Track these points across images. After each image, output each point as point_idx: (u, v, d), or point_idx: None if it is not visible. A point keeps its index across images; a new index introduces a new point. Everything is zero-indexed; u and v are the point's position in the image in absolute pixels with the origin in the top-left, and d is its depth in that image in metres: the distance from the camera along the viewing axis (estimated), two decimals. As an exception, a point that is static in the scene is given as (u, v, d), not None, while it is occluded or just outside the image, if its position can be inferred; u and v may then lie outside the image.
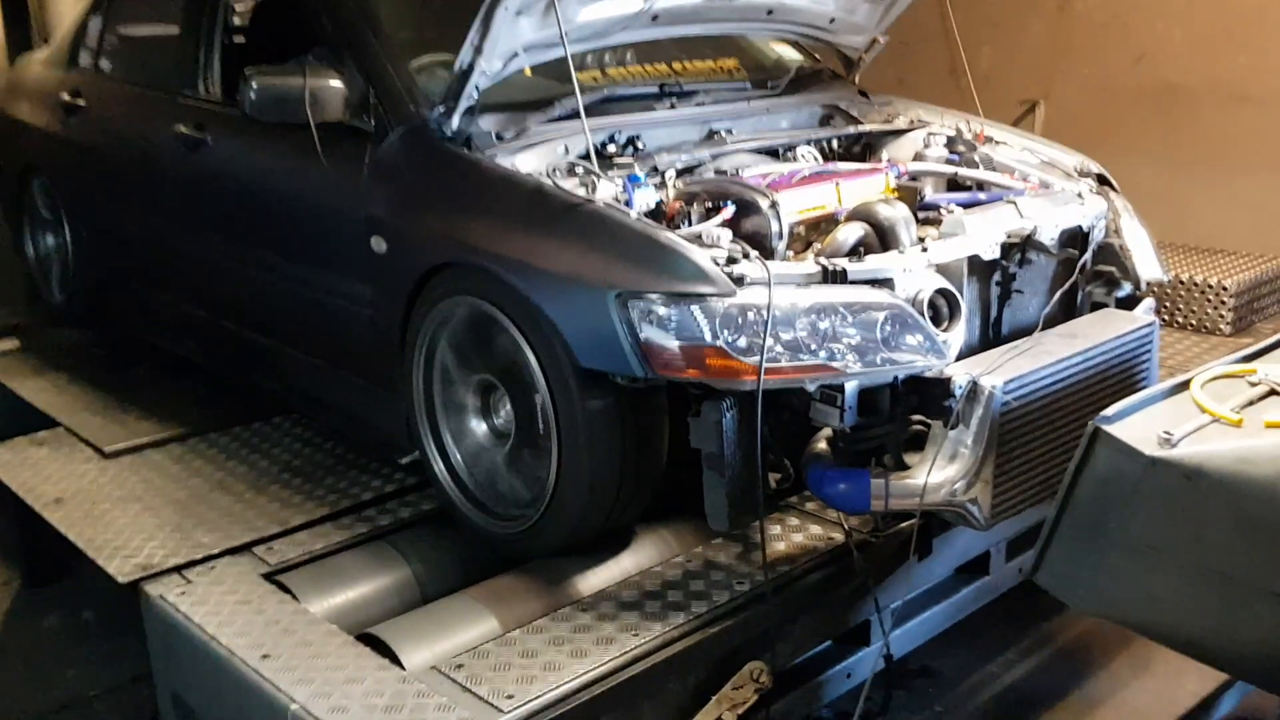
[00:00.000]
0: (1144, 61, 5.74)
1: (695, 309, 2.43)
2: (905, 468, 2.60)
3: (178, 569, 2.88)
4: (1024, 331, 2.95)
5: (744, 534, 2.93)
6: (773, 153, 3.40)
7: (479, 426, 2.97)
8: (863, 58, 3.91)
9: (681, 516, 2.98)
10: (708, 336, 2.42)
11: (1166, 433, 2.18)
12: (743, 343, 2.42)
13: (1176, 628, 2.31)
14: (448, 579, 2.95)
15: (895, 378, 2.53)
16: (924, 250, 2.67)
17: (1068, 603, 2.46)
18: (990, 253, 2.80)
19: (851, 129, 3.60)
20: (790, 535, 2.96)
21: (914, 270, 2.62)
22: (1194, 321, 4.60)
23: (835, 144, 3.58)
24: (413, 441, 3.13)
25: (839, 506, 2.65)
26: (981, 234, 2.79)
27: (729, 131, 3.38)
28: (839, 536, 2.94)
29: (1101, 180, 3.44)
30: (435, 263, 2.86)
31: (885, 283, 2.58)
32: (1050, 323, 2.97)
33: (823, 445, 2.68)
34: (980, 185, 3.32)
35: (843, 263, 2.57)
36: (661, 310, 2.45)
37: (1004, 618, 3.47)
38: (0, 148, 5.11)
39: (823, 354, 2.45)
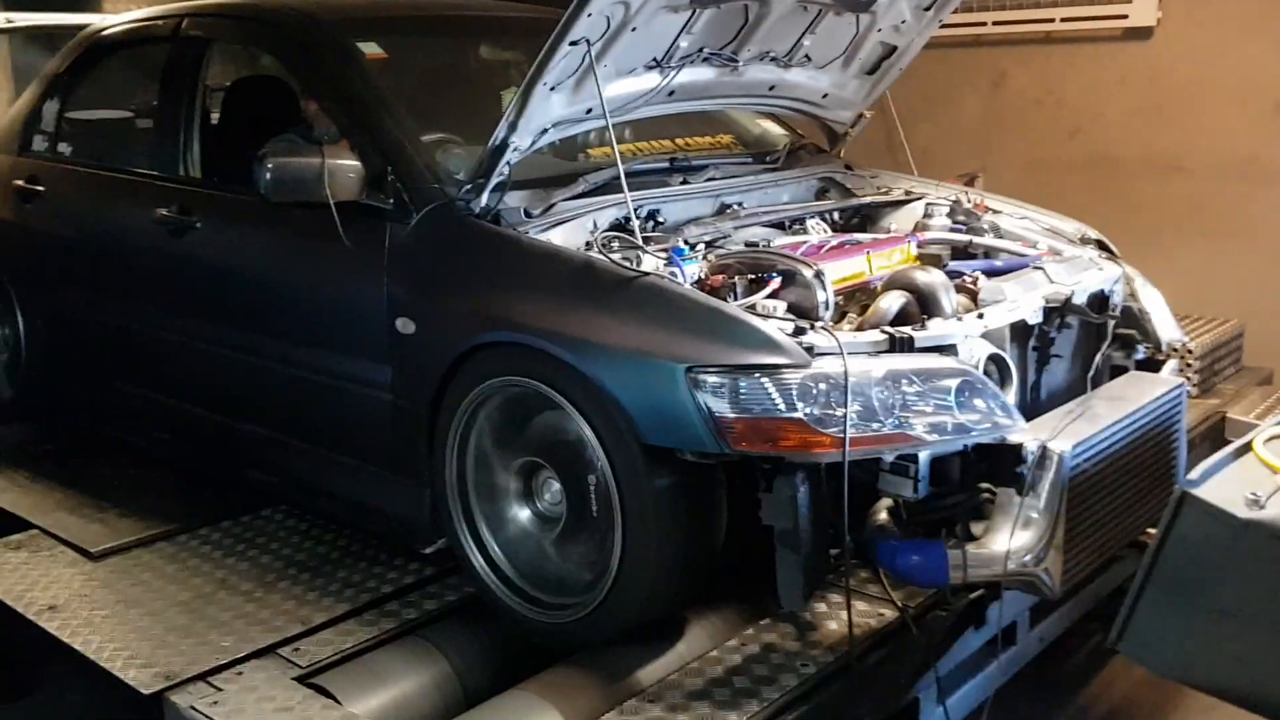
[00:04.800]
0: (1079, 136, 5.96)
1: (769, 381, 2.39)
2: (973, 538, 2.57)
3: (202, 676, 2.69)
4: (1058, 396, 2.98)
5: (791, 614, 2.86)
6: (780, 225, 3.40)
7: (521, 511, 2.86)
8: (849, 131, 3.97)
9: (724, 597, 2.90)
10: (785, 409, 2.37)
11: (1254, 494, 2.19)
12: (819, 414, 2.38)
13: (1269, 693, 2.30)
14: (487, 672, 2.82)
15: (965, 446, 2.51)
16: (980, 316, 2.68)
17: (1153, 670, 2.44)
18: (1035, 317, 2.82)
19: (854, 201, 3.64)
20: (837, 612, 2.89)
21: (972, 337, 2.62)
22: (1160, 384, 4.71)
23: (836, 216, 3.61)
24: (438, 530, 3.01)
25: (914, 580, 2.61)
26: (1025, 300, 2.82)
27: (740, 205, 3.38)
28: (887, 612, 2.89)
29: (1100, 246, 3.52)
30: (474, 342, 2.76)
31: (948, 349, 2.57)
32: (1077, 386, 3.02)
33: (884, 516, 2.64)
34: (987, 253, 3.37)
35: (908, 330, 2.55)
36: (734, 384, 2.40)
37: (1032, 690, 3.43)
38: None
39: (897, 423, 2.42)
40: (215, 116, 4.15)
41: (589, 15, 2.64)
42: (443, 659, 2.78)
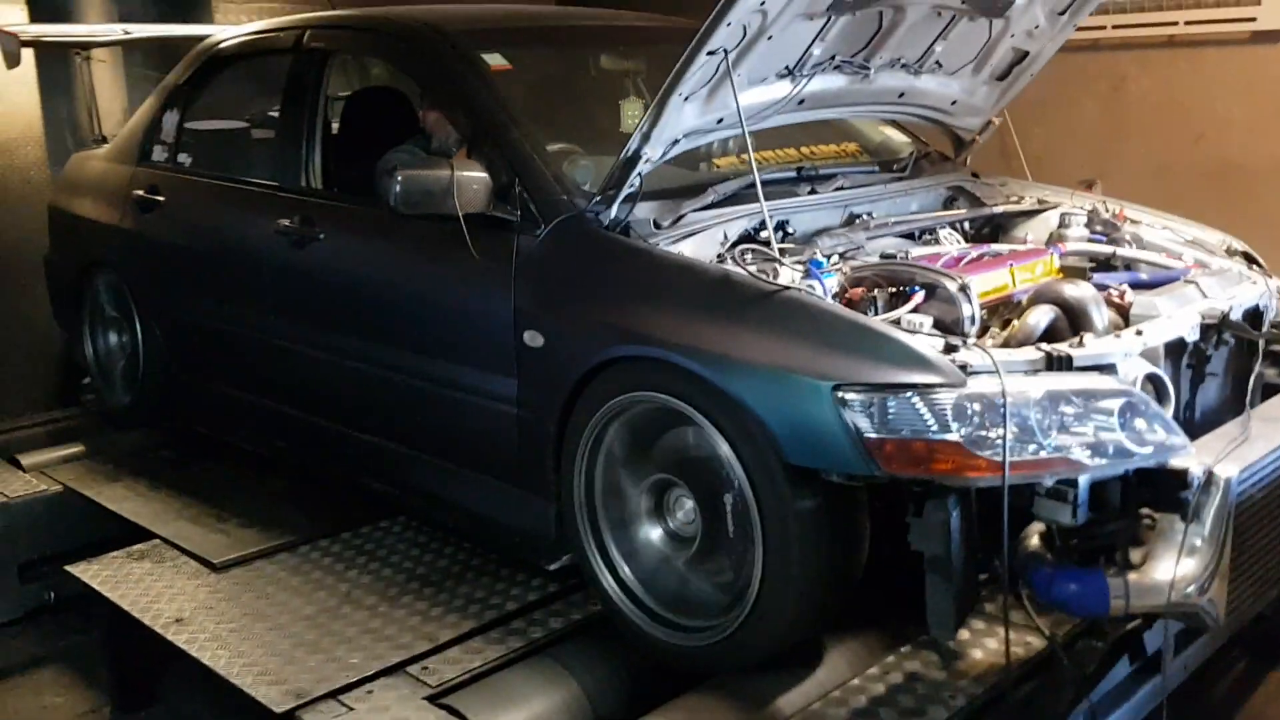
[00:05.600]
0: (1203, 142, 5.74)
1: (922, 401, 2.29)
2: (1131, 566, 2.45)
3: (333, 694, 2.66)
4: (1211, 416, 2.84)
5: (933, 641, 2.75)
6: (910, 236, 3.30)
7: (652, 530, 2.80)
8: (977, 139, 3.85)
9: (859, 621, 2.81)
10: (938, 430, 2.28)
11: None
12: (974, 436, 2.28)
13: None
14: (618, 694, 2.77)
15: (1127, 470, 2.38)
16: (1139, 334, 2.55)
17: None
18: (1193, 334, 2.69)
19: (986, 210, 3.52)
20: (982, 640, 2.78)
21: (1131, 355, 2.50)
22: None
23: (967, 226, 3.49)
24: (563, 546, 2.96)
25: (1071, 609, 2.48)
26: (1182, 315, 2.68)
27: (869, 215, 3.28)
28: (1033, 641, 2.77)
29: (1248, 258, 3.36)
30: (606, 356, 2.70)
31: (1107, 368, 2.45)
32: (1230, 406, 2.87)
33: (1035, 542, 2.52)
34: (1128, 265, 3.23)
35: (1066, 348, 2.43)
36: (884, 403, 2.30)
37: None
38: (59, 245, 4.96)
39: (1057, 446, 2.30)
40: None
41: (728, 25, 2.57)
42: (573, 680, 2.73)
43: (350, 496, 3.74)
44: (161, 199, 4.27)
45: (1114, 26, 5.81)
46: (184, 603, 3.16)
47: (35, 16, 5.76)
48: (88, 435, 4.70)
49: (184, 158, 4.37)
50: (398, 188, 2.92)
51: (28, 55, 5.58)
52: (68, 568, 3.44)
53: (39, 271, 5.14)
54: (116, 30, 5.68)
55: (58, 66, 5.86)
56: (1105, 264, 3.22)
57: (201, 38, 4.72)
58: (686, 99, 2.77)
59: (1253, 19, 5.39)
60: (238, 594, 3.20)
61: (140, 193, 4.35)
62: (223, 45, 4.35)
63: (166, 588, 3.25)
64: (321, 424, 3.71)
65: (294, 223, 3.59)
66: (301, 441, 3.87)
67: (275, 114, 4.22)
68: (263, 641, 2.92)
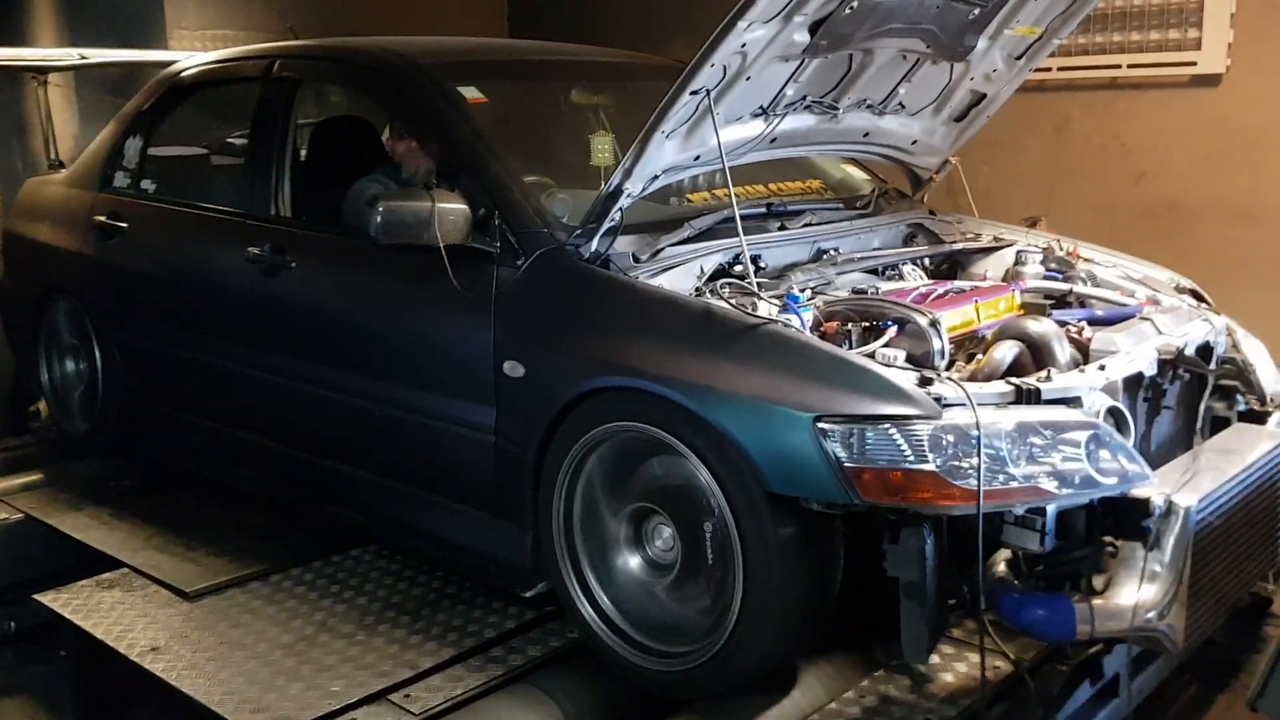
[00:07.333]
0: (1144, 181, 5.94)
1: (899, 433, 2.38)
2: (1094, 592, 2.55)
3: (318, 722, 2.68)
4: (1165, 448, 2.97)
5: (905, 665, 2.83)
6: (875, 271, 3.40)
7: (630, 558, 2.85)
8: (934, 178, 3.98)
9: (834, 647, 2.88)
10: (914, 461, 2.36)
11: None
12: (949, 466, 2.37)
13: None
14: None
15: (1092, 499, 2.49)
16: (1101, 368, 2.67)
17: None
18: (1151, 369, 2.81)
19: (947, 247, 3.63)
20: (952, 665, 2.87)
21: (1095, 389, 2.61)
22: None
23: (928, 261, 3.60)
24: (539, 573, 3.00)
25: (1038, 634, 2.57)
26: (1141, 351, 2.80)
27: (835, 250, 3.38)
28: (1000, 665, 2.86)
29: (1196, 296, 3.51)
30: (588, 387, 2.76)
31: (1073, 401, 2.56)
32: (1181, 439, 3.00)
33: (1003, 569, 2.62)
34: (1082, 301, 3.35)
35: (1035, 382, 2.54)
36: (862, 434, 2.39)
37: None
38: (15, 271, 4.91)
39: (1027, 476, 2.40)
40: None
41: (711, 65, 2.66)
42: (555, 707, 2.76)
43: (318, 525, 3.74)
44: (124, 225, 4.26)
45: (1059, 69, 6.01)
46: (158, 632, 3.14)
47: (-11, 40, 5.71)
48: (43, 463, 4.64)
49: (147, 184, 4.37)
50: (378, 218, 2.96)
51: (-20, 79, 5.55)
52: (37, 596, 3.39)
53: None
54: (73, 54, 5.65)
55: (7, 89, 5.81)
56: (1061, 300, 3.35)
57: (161, 64, 4.73)
58: (668, 136, 2.85)
59: (1193, 63, 5.61)
60: (213, 623, 3.19)
61: (102, 219, 4.33)
62: (188, 72, 4.35)
63: (140, 616, 3.23)
64: (291, 453, 3.71)
65: (264, 250, 3.61)
66: (270, 470, 3.87)
67: (239, 141, 4.24)
68: (242, 670, 2.92)
